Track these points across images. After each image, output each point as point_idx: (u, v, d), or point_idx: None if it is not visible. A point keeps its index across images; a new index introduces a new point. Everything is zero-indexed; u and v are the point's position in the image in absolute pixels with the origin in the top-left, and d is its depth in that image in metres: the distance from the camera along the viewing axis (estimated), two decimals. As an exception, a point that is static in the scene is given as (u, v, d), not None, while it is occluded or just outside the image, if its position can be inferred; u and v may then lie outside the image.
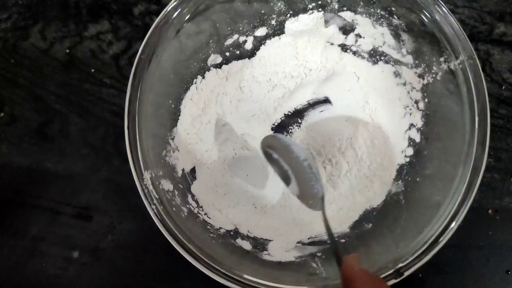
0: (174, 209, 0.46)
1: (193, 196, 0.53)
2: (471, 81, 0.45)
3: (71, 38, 0.66)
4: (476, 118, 0.45)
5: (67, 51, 0.65)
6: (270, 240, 0.54)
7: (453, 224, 0.44)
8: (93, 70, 0.64)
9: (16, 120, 0.64)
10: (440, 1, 0.46)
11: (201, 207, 0.53)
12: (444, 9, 0.46)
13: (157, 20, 0.48)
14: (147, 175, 0.44)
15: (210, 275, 0.43)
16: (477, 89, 0.45)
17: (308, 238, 0.54)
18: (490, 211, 0.59)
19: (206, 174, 0.56)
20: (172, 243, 0.43)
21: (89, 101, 0.63)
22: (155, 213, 0.43)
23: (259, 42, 0.59)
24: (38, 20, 0.66)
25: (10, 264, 0.59)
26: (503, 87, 0.62)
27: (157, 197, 0.44)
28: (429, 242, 0.44)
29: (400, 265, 0.43)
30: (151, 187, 0.44)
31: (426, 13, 0.48)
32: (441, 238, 0.44)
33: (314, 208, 0.48)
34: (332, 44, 0.59)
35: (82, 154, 0.62)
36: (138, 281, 0.58)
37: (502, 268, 0.58)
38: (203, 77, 0.57)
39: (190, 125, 0.55)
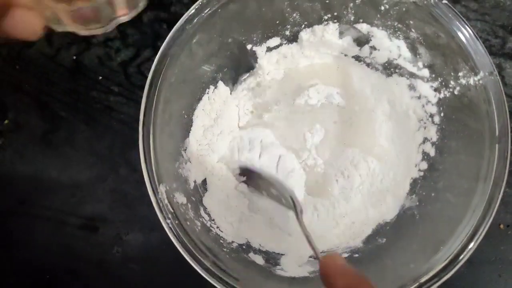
0: (188, 223, 0.45)
1: (205, 208, 0.52)
2: (492, 97, 0.45)
3: (78, 44, 0.64)
4: (497, 134, 0.44)
5: (74, 57, 0.64)
6: (282, 254, 0.53)
7: (473, 243, 0.43)
8: (100, 78, 0.63)
9: (21, 127, 0.62)
10: (461, 16, 0.46)
11: (213, 220, 0.51)
12: (464, 23, 0.46)
13: (171, 33, 0.47)
14: (162, 189, 0.43)
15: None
16: (498, 105, 0.44)
17: (321, 252, 0.54)
18: (501, 226, 0.59)
19: (217, 186, 0.54)
20: (188, 259, 0.42)
21: (96, 109, 0.62)
22: (170, 228, 0.42)
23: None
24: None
25: (12, 276, 0.57)
26: (515, 101, 0.62)
27: (172, 211, 0.43)
28: (449, 259, 0.43)
29: (420, 281, 0.43)
30: (166, 201, 0.43)
31: (445, 27, 0.47)
32: (461, 256, 0.43)
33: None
34: (346, 55, 0.58)
35: (88, 163, 0.61)
36: (145, 294, 0.57)
37: (514, 284, 0.58)
38: (216, 87, 0.56)
39: (202, 136, 0.54)
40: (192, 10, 0.48)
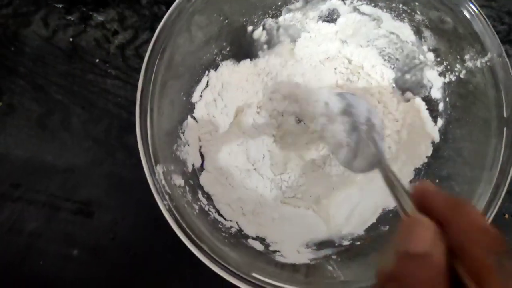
0: (186, 205, 0.43)
1: (203, 192, 0.50)
2: (500, 80, 0.43)
3: (75, 26, 0.63)
4: (505, 117, 0.43)
5: (71, 39, 0.62)
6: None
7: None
8: (97, 60, 0.62)
9: (15, 110, 0.61)
10: (468, -4, 0.44)
11: (212, 205, 0.50)
12: (472, 4, 0.45)
13: (169, 10, 0.46)
14: (159, 169, 0.41)
15: (222, 275, 0.41)
16: (507, 89, 0.43)
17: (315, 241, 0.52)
18: (506, 216, 0.58)
19: (212, 164, 0.53)
20: (185, 241, 0.40)
21: (92, 92, 0.61)
22: (167, 209, 0.40)
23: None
24: (41, 6, 0.63)
25: (5, 262, 0.56)
26: (520, 90, 0.60)
27: (170, 192, 0.41)
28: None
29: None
30: (163, 182, 0.41)
31: (452, 8, 0.46)
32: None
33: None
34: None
35: (84, 147, 0.59)
36: (141, 281, 0.55)
37: (517, 275, 0.56)
38: (215, 70, 0.55)
39: (205, 111, 0.53)
40: (191, -11, 0.46)
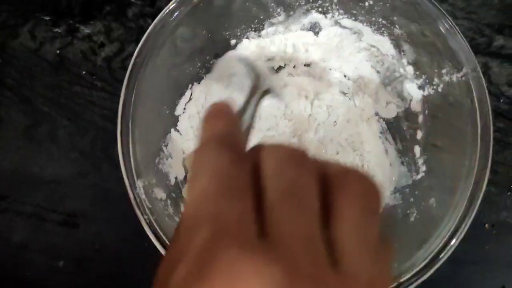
0: (167, 219, 0.44)
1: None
2: (474, 93, 0.44)
3: (62, 38, 0.63)
4: (479, 131, 0.44)
5: (58, 52, 0.63)
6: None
7: (454, 240, 0.43)
8: (84, 72, 0.62)
9: (2, 122, 0.61)
10: (444, 12, 0.45)
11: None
12: (448, 20, 0.46)
13: (153, 23, 0.47)
14: (139, 184, 0.42)
15: None
16: (481, 102, 0.44)
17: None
18: (486, 226, 0.58)
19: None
20: (164, 253, 0.41)
21: (79, 104, 0.61)
22: (147, 223, 0.41)
23: (257, 47, 0.58)
24: (29, 18, 0.64)
25: (-9, 272, 0.57)
26: (501, 100, 0.61)
27: (150, 206, 0.42)
28: (429, 258, 0.43)
29: (400, 280, 0.42)
30: (143, 196, 0.42)
31: (429, 24, 0.47)
32: (442, 254, 0.42)
33: None
34: (330, 51, 0.58)
35: (70, 158, 0.60)
36: (126, 292, 0.56)
37: (497, 284, 0.57)
38: (199, 83, 0.55)
39: (188, 124, 0.54)
40: (174, 3, 0.47)
